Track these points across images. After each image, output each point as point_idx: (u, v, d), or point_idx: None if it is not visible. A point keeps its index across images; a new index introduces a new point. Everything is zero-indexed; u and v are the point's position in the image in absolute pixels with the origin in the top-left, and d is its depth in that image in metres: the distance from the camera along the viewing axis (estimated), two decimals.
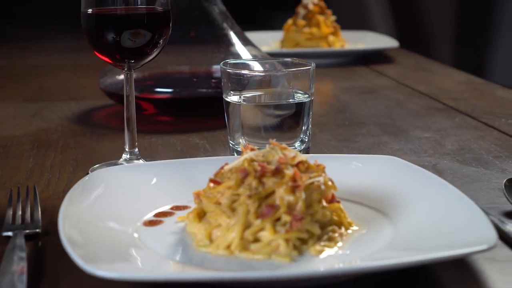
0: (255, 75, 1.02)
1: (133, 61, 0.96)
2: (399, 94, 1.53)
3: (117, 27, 0.93)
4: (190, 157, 1.05)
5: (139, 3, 0.94)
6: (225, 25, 1.33)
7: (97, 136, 1.18)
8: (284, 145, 0.77)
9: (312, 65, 1.01)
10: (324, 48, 1.94)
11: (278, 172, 0.73)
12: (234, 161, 0.75)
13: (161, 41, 0.96)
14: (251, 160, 0.74)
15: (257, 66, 1.10)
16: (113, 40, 0.93)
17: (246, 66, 1.09)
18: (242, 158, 0.75)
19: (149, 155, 1.05)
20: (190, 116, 1.26)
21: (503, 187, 0.86)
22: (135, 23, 0.94)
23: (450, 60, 3.07)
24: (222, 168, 0.76)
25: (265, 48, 1.85)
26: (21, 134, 1.19)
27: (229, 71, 1.00)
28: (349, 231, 0.75)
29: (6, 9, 3.04)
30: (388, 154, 1.04)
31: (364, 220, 0.78)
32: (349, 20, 2.48)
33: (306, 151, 1.02)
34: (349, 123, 1.27)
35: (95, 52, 0.96)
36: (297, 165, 0.74)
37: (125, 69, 0.97)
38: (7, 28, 2.78)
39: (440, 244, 0.68)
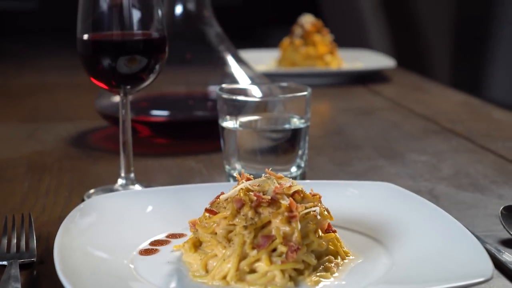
0: (251, 101, 1.01)
1: (129, 86, 0.96)
2: (396, 115, 1.53)
3: (113, 53, 0.93)
4: (186, 181, 1.04)
5: (135, 29, 0.94)
6: (221, 47, 1.33)
7: (92, 159, 1.17)
8: (280, 174, 0.77)
9: (308, 90, 1.01)
10: (321, 67, 1.94)
11: (274, 202, 0.72)
12: (230, 191, 0.75)
13: (157, 67, 0.96)
14: (247, 190, 0.74)
15: (253, 91, 1.10)
16: (109, 66, 0.93)
17: (242, 91, 1.08)
18: (238, 187, 0.74)
19: (144, 178, 1.05)
20: (186, 139, 1.26)
21: (500, 215, 0.86)
22: (131, 49, 0.94)
23: (447, 76, 3.08)
24: (218, 197, 0.76)
25: (261, 67, 1.85)
26: (16, 157, 1.19)
27: (225, 97, 1.00)
28: (345, 260, 0.75)
29: (0, 25, 3.04)
30: (384, 178, 1.04)
31: (360, 249, 0.77)
32: (346, 38, 2.49)
33: (302, 176, 1.02)
34: (345, 146, 1.27)
35: (91, 78, 0.96)
36: (293, 195, 0.74)
37: (121, 94, 0.97)
38: (2, 44, 2.78)
39: (437, 276, 0.68)
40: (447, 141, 1.29)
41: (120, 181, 0.98)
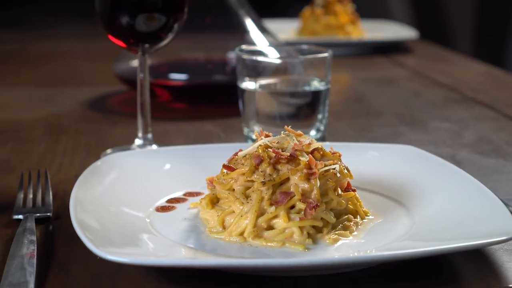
0: (271, 62, 1.00)
1: (147, 45, 0.95)
2: (417, 84, 1.51)
3: (131, 11, 0.92)
4: (204, 143, 1.03)
5: None
6: (241, 12, 1.31)
7: (110, 122, 1.16)
8: (299, 131, 0.76)
9: (329, 52, 0.99)
10: (341, 37, 1.92)
11: (293, 159, 0.71)
12: (249, 147, 0.73)
13: (175, 26, 0.94)
14: (266, 147, 0.72)
15: (273, 53, 1.08)
16: (127, 24, 0.92)
17: (262, 52, 1.07)
18: (256, 144, 0.73)
19: (162, 141, 1.04)
20: (204, 103, 1.24)
21: None
22: (150, 7, 0.92)
23: (470, 51, 3.04)
24: (236, 154, 0.75)
25: (282, 36, 1.83)
26: (33, 119, 1.18)
27: (244, 58, 0.99)
28: (365, 220, 0.73)
29: None
30: (405, 144, 1.02)
31: (381, 209, 0.76)
32: (368, 9, 2.45)
33: (322, 139, 1.00)
34: (366, 113, 1.26)
35: (109, 36, 0.94)
36: (312, 152, 0.73)
37: (139, 53, 0.95)
38: (21, 14, 2.76)
39: (458, 235, 0.67)
40: (470, 109, 1.27)
41: (138, 141, 0.97)
